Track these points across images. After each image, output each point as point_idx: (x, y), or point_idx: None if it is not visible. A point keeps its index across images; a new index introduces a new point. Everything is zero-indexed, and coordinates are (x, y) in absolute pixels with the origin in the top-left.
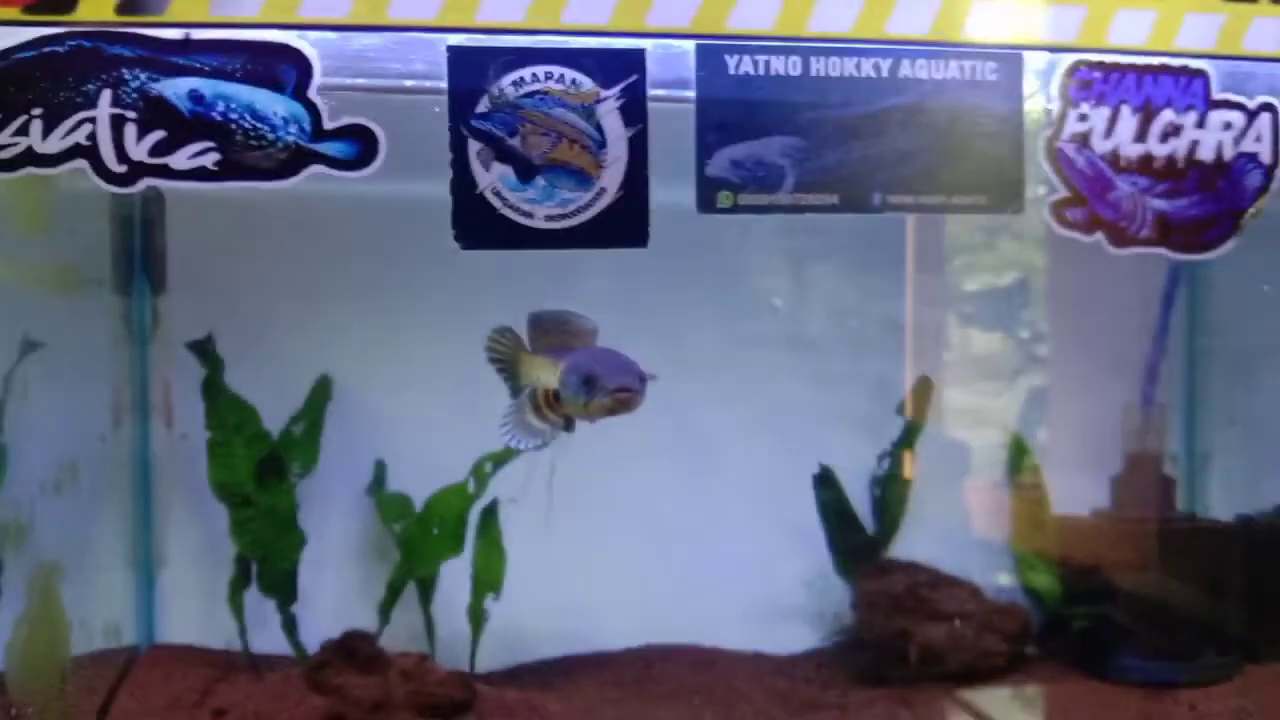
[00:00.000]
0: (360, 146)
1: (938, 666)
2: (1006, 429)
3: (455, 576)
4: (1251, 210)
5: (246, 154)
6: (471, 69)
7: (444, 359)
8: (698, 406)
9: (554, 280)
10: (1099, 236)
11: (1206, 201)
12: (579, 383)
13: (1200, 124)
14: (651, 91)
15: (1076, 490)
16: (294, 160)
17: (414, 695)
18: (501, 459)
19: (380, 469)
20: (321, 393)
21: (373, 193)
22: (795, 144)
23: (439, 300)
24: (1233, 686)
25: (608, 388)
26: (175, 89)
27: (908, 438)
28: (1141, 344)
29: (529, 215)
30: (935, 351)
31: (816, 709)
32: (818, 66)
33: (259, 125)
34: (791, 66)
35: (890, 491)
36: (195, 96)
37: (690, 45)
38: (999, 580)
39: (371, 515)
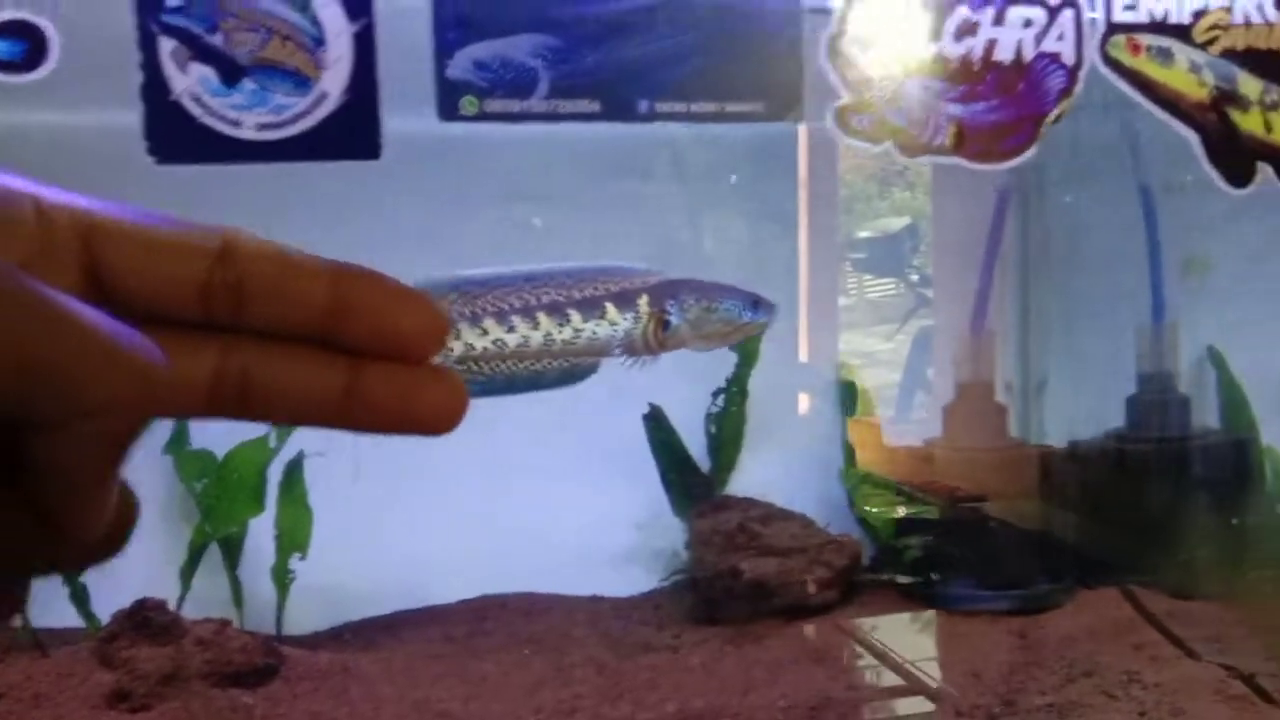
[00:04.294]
0: (27, 45)
1: (768, 602)
2: (897, 370)
3: (269, 536)
4: (1053, 115)
5: None
6: None
7: None
8: None
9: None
10: (888, 145)
11: (1005, 106)
12: (746, 305)
13: (998, 21)
14: None
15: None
16: None
17: (211, 664)
18: None
19: (180, 424)
20: None
21: None
22: (548, 43)
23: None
24: (1065, 612)
25: (771, 306)
26: None
27: (740, 374)
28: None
29: (236, 124)
30: (829, 296)
31: (649, 651)
32: None
33: None
34: None
35: (724, 428)
36: None
37: None
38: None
39: (173, 474)
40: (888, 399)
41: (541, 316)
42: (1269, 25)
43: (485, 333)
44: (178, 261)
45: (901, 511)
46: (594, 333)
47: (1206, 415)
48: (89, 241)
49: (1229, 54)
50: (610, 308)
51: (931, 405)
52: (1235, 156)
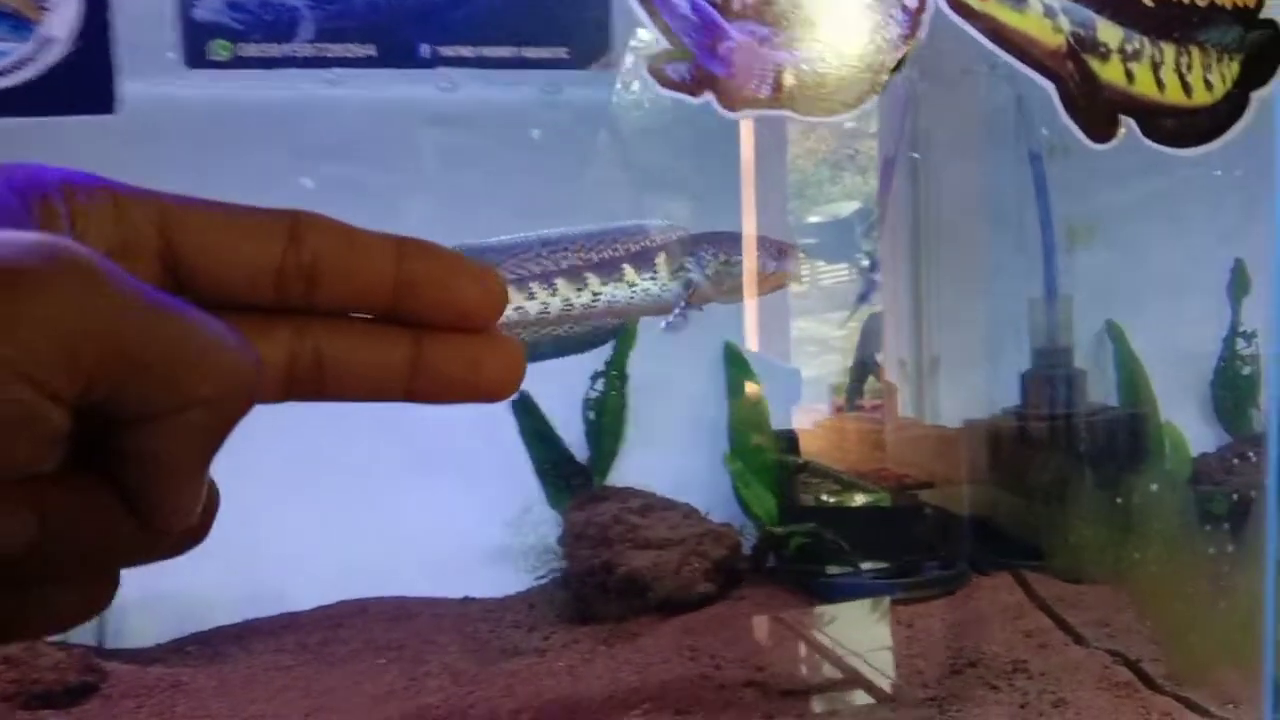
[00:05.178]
0: None
1: (642, 598)
2: (848, 355)
3: None
4: (893, 63)
5: None
6: None
7: None
8: None
9: None
10: (709, 97)
11: (839, 54)
12: (769, 255)
13: None
14: None
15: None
16: None
17: (16, 684)
18: None
19: None
20: None
21: None
22: None
23: None
24: (957, 598)
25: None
26: None
27: (619, 357)
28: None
29: None
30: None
31: (515, 655)
32: None
33: None
34: None
35: (604, 415)
36: None
37: None
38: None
39: None
40: (842, 385)
41: (560, 282)
42: None
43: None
44: (253, 247)
45: (859, 499)
46: (613, 295)
47: (1106, 391)
48: (165, 232)
49: None
50: (628, 269)
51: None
52: (1096, 109)
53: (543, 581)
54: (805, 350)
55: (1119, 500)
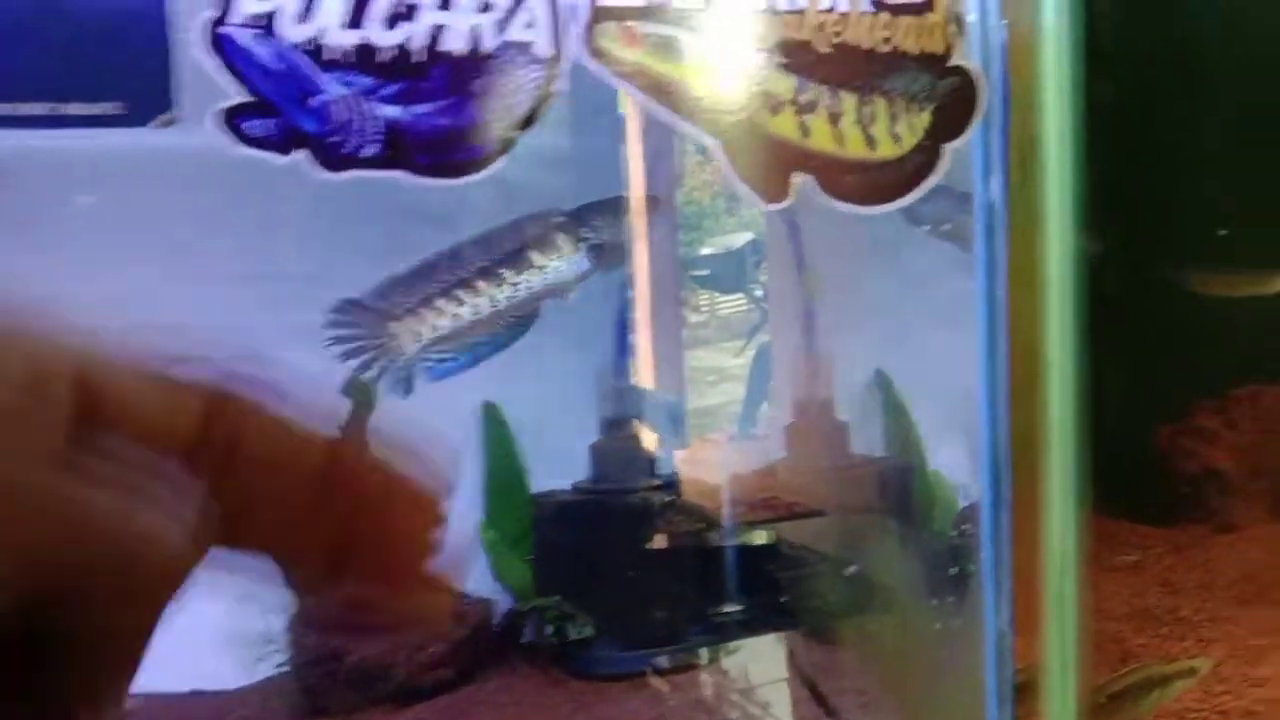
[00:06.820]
0: None
1: (373, 688)
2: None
3: None
4: (522, 119)
5: None
6: None
7: None
8: None
9: None
10: (300, 156)
11: (459, 108)
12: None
13: (445, 4)
14: None
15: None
16: None
17: None
18: None
19: None
20: None
21: None
22: None
23: None
24: (721, 667)
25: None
26: None
27: (358, 416)
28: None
29: None
30: (672, 314)
31: None
32: None
33: None
34: None
35: None
36: None
37: None
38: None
39: None
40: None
41: (480, 284)
42: (799, 12)
43: (441, 313)
44: (165, 420)
45: (770, 537)
46: (529, 282)
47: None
48: (81, 389)
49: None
50: (534, 255)
51: (774, 420)
52: (766, 167)
53: (284, 669)
54: (705, 380)
55: (854, 568)
